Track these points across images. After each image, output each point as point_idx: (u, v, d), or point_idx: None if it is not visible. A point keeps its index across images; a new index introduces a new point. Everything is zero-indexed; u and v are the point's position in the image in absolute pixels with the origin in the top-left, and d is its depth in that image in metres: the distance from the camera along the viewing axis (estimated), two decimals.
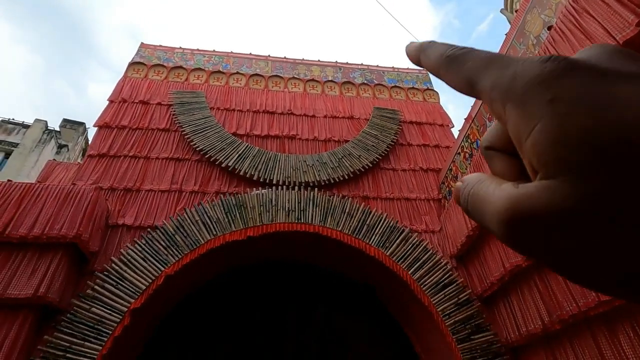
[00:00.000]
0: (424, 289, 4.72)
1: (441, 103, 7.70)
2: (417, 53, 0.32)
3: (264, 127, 6.33)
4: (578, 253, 0.19)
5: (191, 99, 6.30)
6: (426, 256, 4.97)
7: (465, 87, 0.26)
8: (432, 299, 4.63)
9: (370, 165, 6.02)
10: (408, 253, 4.98)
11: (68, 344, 3.68)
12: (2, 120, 18.39)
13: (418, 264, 4.89)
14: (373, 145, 6.26)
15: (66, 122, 20.67)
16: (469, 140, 4.99)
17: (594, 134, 0.19)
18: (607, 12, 2.43)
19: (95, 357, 3.68)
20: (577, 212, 0.19)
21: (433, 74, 0.30)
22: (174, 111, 6.09)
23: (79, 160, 20.09)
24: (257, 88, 7.02)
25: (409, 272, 4.82)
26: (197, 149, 5.65)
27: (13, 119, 18.82)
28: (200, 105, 6.23)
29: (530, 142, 0.21)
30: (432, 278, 4.79)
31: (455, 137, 6.74)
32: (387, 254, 4.94)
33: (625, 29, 2.27)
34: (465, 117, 5.14)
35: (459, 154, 5.27)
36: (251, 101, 6.71)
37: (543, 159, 0.20)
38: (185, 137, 5.77)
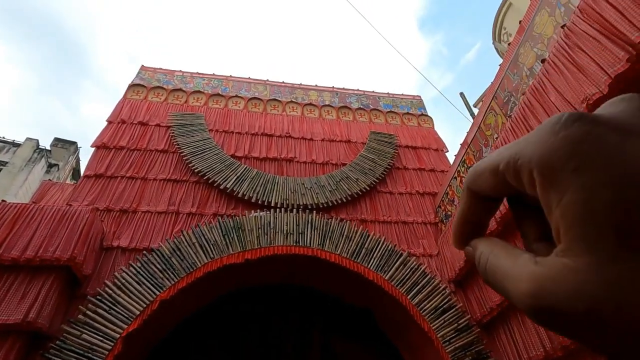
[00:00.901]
0: (423, 314, 4.67)
1: (436, 129, 7.90)
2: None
3: (262, 149, 6.38)
4: (610, 338, 0.18)
5: (190, 121, 6.35)
6: (425, 280, 4.95)
7: (496, 180, 0.26)
8: (431, 325, 4.58)
9: (368, 188, 6.07)
10: (407, 277, 4.95)
11: None
12: None
13: (417, 288, 4.86)
14: (370, 169, 6.34)
15: (57, 141, 20.50)
16: (465, 165, 5.09)
17: (617, 213, 0.18)
18: (597, 48, 2.58)
19: None
20: (601, 303, 0.18)
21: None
22: (173, 133, 6.12)
23: (68, 180, 19.79)
24: (256, 111, 7.12)
25: (408, 297, 4.78)
26: (196, 170, 5.65)
27: (3, 138, 18.63)
28: (200, 127, 6.28)
29: (558, 212, 0.20)
30: (431, 303, 4.76)
31: (450, 161, 6.88)
32: (386, 278, 4.91)
33: (616, 64, 2.41)
34: (461, 142, 5.27)
35: (455, 178, 5.37)
36: (250, 124, 6.79)
37: (571, 234, 0.20)
38: (184, 158, 5.77)
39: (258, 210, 5.28)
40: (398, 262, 5.07)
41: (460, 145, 5.29)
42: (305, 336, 5.51)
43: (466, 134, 5.16)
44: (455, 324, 4.59)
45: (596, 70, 2.54)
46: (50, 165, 19.06)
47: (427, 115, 8.12)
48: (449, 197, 5.62)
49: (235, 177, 5.64)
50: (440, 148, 7.29)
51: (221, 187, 5.50)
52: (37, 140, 18.65)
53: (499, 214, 3.82)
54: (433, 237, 5.77)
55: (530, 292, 0.20)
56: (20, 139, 18.70)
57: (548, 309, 0.20)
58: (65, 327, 3.79)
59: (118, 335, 3.85)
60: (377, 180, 6.25)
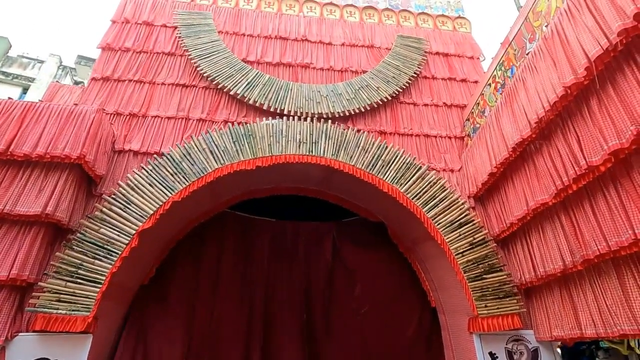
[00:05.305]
0: (438, 227, 4.52)
1: (473, 33, 6.92)
2: None
3: (275, 54, 5.86)
4: None
5: (198, 21, 5.81)
6: (443, 194, 4.70)
7: None
8: (445, 237, 4.45)
9: (389, 98, 5.57)
10: (424, 191, 4.72)
11: (80, 261, 3.74)
12: (17, 55, 18.20)
13: (434, 202, 4.65)
14: (393, 77, 5.75)
15: (81, 59, 20.30)
16: (502, 68, 4.44)
17: None
18: None
19: (106, 274, 3.74)
20: None
21: None
22: (180, 34, 5.66)
23: None
24: (270, 11, 6.41)
25: (424, 210, 4.60)
26: (204, 74, 5.30)
27: (27, 54, 18.60)
28: (208, 27, 5.75)
29: None
30: (447, 217, 4.57)
31: (485, 71, 6.11)
32: (402, 190, 4.70)
33: None
34: (502, 41, 4.53)
35: (490, 85, 4.75)
36: (262, 25, 6.16)
37: None
38: (192, 61, 5.40)
39: (270, 118, 5.00)
40: (416, 176, 4.80)
41: (500, 45, 4.55)
42: (317, 243, 5.61)
43: (509, 29, 4.39)
44: (471, 238, 4.45)
45: None
46: (76, 83, 19.21)
47: (464, 18, 7.08)
48: (479, 107, 5.06)
49: (246, 82, 5.27)
50: (475, 55, 6.45)
51: (231, 92, 5.19)
52: (60, 56, 18.52)
53: None
54: (457, 151, 5.38)
55: None
56: (42, 56, 18.63)
57: None
58: (84, 222, 3.95)
59: (133, 232, 3.98)
60: (401, 90, 5.70)
